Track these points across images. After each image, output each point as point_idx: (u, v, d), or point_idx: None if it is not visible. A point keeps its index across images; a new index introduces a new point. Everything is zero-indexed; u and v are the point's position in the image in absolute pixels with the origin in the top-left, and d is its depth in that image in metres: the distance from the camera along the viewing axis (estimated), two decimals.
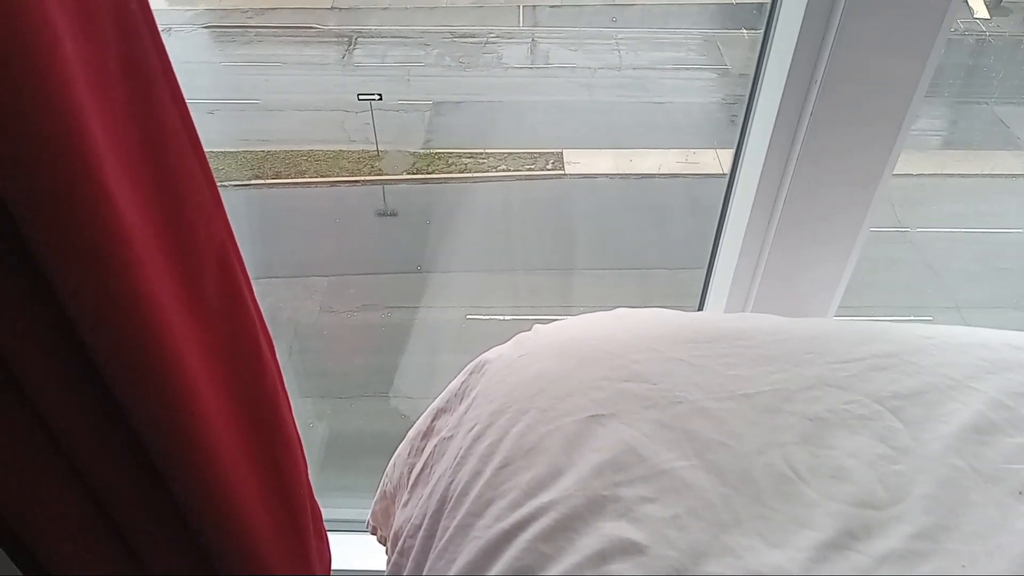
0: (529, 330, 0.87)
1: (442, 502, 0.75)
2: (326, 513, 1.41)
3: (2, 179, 0.53)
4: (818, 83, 0.83)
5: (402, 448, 0.98)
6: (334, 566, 1.30)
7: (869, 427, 0.71)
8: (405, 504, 0.91)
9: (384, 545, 1.02)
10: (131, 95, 0.64)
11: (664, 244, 3.84)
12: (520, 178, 3.90)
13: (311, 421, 3.35)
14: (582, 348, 0.78)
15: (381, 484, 1.03)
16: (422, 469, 0.89)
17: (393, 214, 3.87)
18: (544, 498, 0.66)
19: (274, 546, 0.89)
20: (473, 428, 0.77)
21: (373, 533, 1.09)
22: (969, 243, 3.69)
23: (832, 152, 0.88)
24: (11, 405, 0.69)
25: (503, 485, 0.69)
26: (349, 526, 1.36)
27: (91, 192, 0.57)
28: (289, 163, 3.77)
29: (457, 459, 0.76)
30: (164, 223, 0.69)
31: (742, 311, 1.08)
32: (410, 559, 0.79)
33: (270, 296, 3.54)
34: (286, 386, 0.92)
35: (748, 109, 0.96)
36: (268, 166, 3.72)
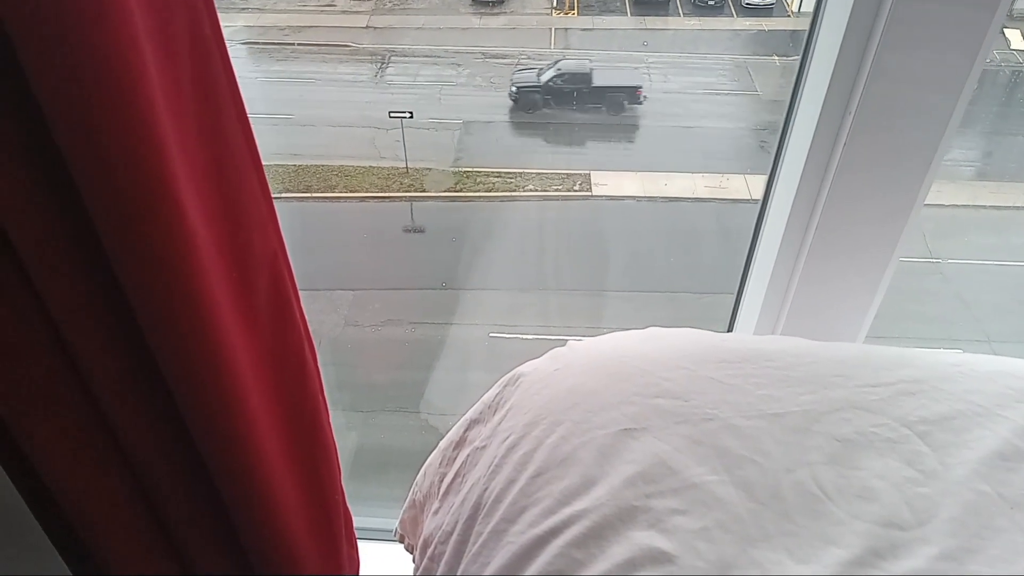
0: (563, 346, 0.90)
1: (476, 508, 0.78)
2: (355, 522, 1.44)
3: (88, 190, 0.58)
4: (852, 113, 0.85)
5: (433, 458, 1.01)
6: (361, 572, 1.33)
7: (896, 450, 0.73)
8: (436, 512, 0.93)
9: (411, 553, 1.04)
10: (202, 115, 0.68)
11: (690, 268, 3.84)
12: (547, 198, 3.93)
13: (335, 433, 3.36)
14: (615, 364, 0.81)
15: (410, 493, 1.06)
16: (454, 478, 0.91)
17: (420, 231, 3.91)
18: (577, 506, 0.69)
19: (309, 548, 0.93)
20: (508, 438, 0.80)
21: (400, 541, 1.11)
22: (1001, 275, 3.66)
23: (865, 181, 0.90)
24: (77, 403, 0.73)
25: (537, 493, 0.72)
26: (373, 535, 1.38)
27: (166, 206, 0.62)
28: (320, 177, 3.83)
29: (491, 467, 0.79)
30: (225, 234, 0.74)
31: (771, 334, 1.11)
32: (441, 564, 0.82)
33: None
34: (325, 394, 0.96)
35: (782, 136, 0.99)
36: (299, 180, 3.79)
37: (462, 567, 0.74)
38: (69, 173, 0.58)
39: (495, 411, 0.89)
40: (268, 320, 0.82)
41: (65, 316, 0.66)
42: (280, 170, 3.79)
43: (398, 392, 3.51)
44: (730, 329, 1.20)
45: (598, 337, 0.89)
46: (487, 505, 0.76)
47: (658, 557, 0.64)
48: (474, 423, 0.94)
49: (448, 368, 3.55)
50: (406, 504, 1.06)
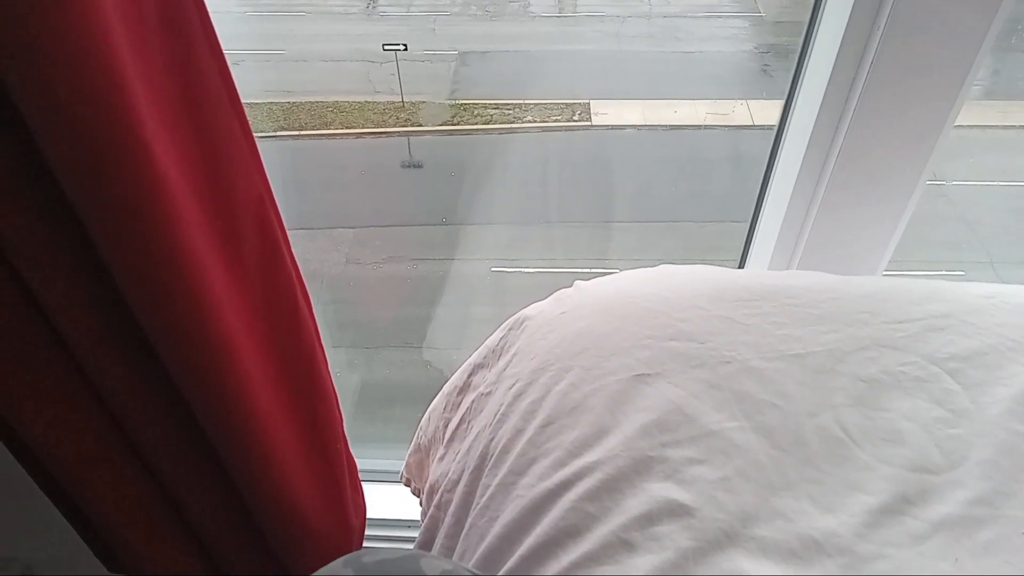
0: (569, 286, 0.84)
1: (482, 459, 0.74)
2: (359, 464, 1.42)
3: (42, 132, 0.51)
4: (880, 29, 0.77)
5: (437, 402, 0.97)
6: (369, 515, 1.31)
7: (925, 389, 0.68)
8: (441, 458, 0.90)
9: (418, 497, 1.02)
10: (170, 48, 0.61)
11: (694, 197, 3.78)
12: (546, 129, 3.85)
13: (339, 371, 3.38)
14: (625, 306, 0.75)
15: (415, 437, 1.02)
16: (459, 424, 0.87)
17: (418, 166, 3.84)
18: (589, 458, 0.64)
19: (312, 497, 0.89)
20: (514, 385, 0.75)
21: (407, 485, 1.08)
22: (1006, 197, 3.59)
23: (892, 103, 0.83)
24: (55, 361, 0.68)
25: (546, 444, 0.67)
26: (379, 476, 1.36)
27: (131, 146, 0.55)
28: (315, 114, 3.74)
29: (498, 416, 0.74)
30: (203, 178, 0.68)
31: (787, 269, 1.04)
32: (448, 513, 0.78)
33: (296, 247, 3.53)
34: (322, 338, 0.91)
35: (801, 56, 0.91)
36: (294, 117, 3.69)
37: (470, 520, 0.70)
38: (21, 115, 0.52)
39: (499, 356, 0.85)
40: (257, 267, 0.76)
41: (34, 274, 0.60)
42: (274, 108, 3.69)
43: (402, 328, 3.49)
44: (742, 264, 1.14)
45: (606, 277, 0.84)
46: (494, 456, 0.72)
47: (676, 510, 0.60)
48: (478, 368, 0.89)
49: (451, 303, 3.53)
50: (411, 448, 1.03)
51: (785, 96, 0.97)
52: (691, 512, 0.60)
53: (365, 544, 1.26)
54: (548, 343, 0.75)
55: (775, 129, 1.01)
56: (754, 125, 3.85)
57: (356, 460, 1.20)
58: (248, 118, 0.72)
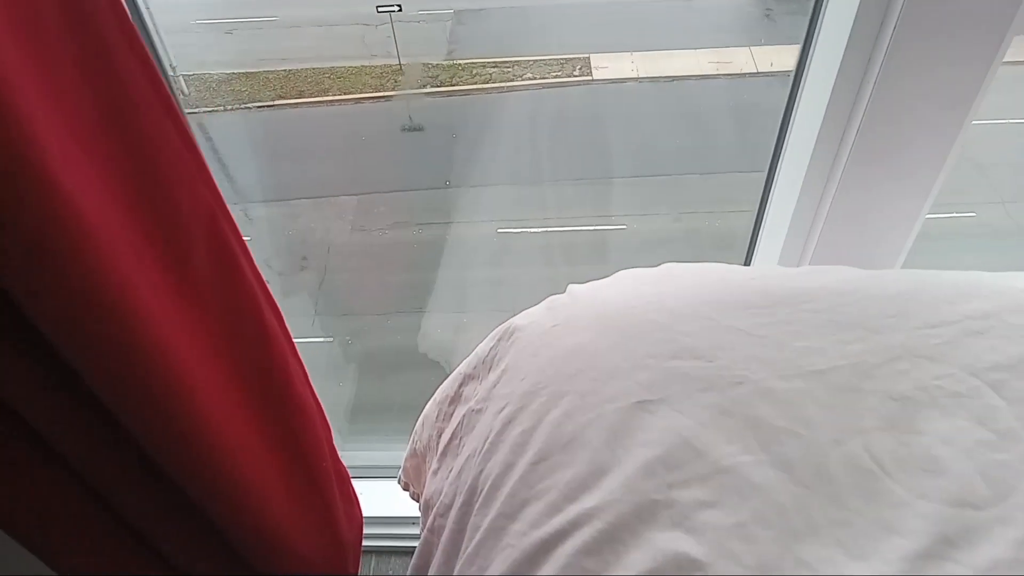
0: (563, 292, 0.74)
1: (472, 492, 0.65)
2: (359, 458, 1.34)
3: None
4: None
5: (430, 410, 0.89)
6: (372, 512, 1.24)
7: (965, 406, 0.58)
8: (435, 472, 0.82)
9: (417, 502, 0.95)
10: (79, 53, 0.51)
11: (697, 149, 3.67)
12: (547, 86, 3.73)
13: (349, 338, 3.34)
14: (624, 317, 0.65)
15: (411, 441, 0.95)
16: (451, 438, 0.79)
17: (419, 129, 3.74)
18: (587, 502, 0.55)
19: (298, 522, 0.81)
20: (504, 409, 0.66)
21: (405, 489, 1.02)
22: (1016, 135, 3.45)
23: (928, 47, 0.69)
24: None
25: (539, 484, 0.58)
26: (379, 472, 1.29)
27: (32, 182, 0.45)
28: (312, 81, 3.64)
29: (487, 443, 0.66)
30: (137, 199, 0.58)
31: (800, 256, 0.93)
32: (441, 542, 0.70)
33: (301, 217, 3.47)
34: (297, 351, 0.82)
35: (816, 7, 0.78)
36: (291, 85, 3.59)
37: (459, 566, 0.62)
38: None
39: (490, 368, 0.76)
40: (213, 288, 0.67)
41: None
42: (271, 76, 3.58)
43: (410, 293, 3.45)
44: (750, 252, 1.01)
45: (603, 280, 0.74)
46: (483, 491, 0.63)
47: (685, 564, 0.51)
48: (468, 378, 0.80)
49: (458, 267, 3.48)
50: (407, 452, 0.95)
51: (799, 51, 0.83)
52: (702, 567, 0.51)
53: (365, 545, 1.20)
54: (539, 361, 0.66)
55: (789, 87, 0.88)
56: (757, 72, 3.71)
57: (349, 468, 1.13)
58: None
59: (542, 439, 0.60)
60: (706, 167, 3.60)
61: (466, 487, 0.67)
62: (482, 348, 0.79)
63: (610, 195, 3.66)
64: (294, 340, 0.81)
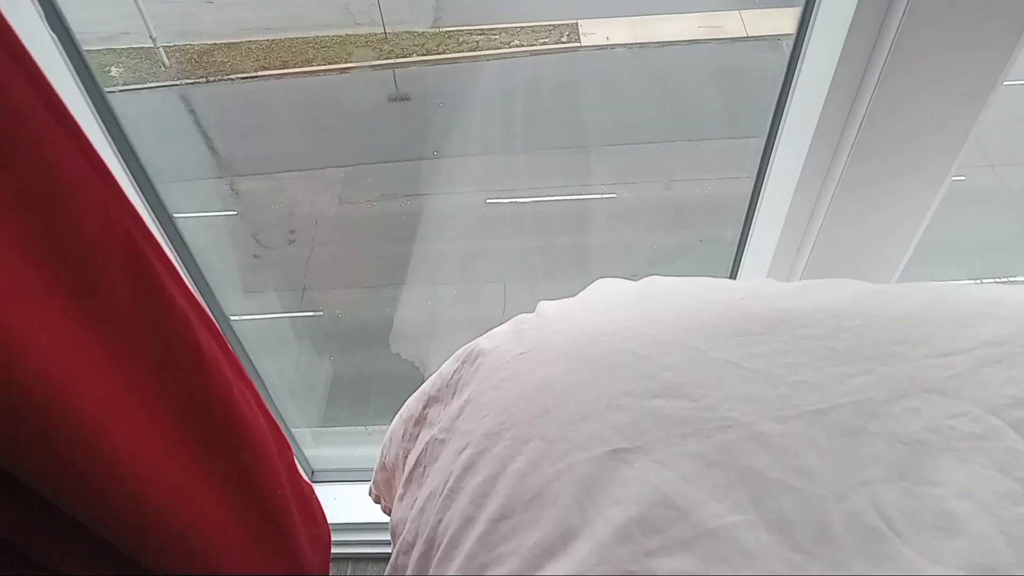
0: (530, 312, 0.65)
1: (430, 545, 0.57)
2: (334, 460, 1.27)
3: None
4: None
5: (396, 426, 0.81)
6: (348, 517, 1.17)
7: (984, 451, 0.50)
8: (401, 498, 0.74)
9: (388, 515, 0.88)
10: None
11: (686, 115, 3.58)
12: (535, 53, 3.61)
13: (339, 312, 3.28)
14: (598, 347, 0.56)
15: (381, 454, 0.88)
16: (415, 465, 0.71)
17: (406, 98, 3.63)
18: (554, 571, 0.47)
19: (254, 561, 0.74)
20: (464, 450, 0.58)
21: (376, 502, 0.94)
22: (1004, 98, 3.33)
23: (946, 29, 0.59)
24: None
25: (500, 547, 0.50)
26: (359, 476, 1.21)
27: None
28: (295, 51, 3.52)
29: (447, 488, 0.57)
30: (33, 231, 0.48)
31: (794, 259, 0.83)
32: None
33: (288, 190, 3.38)
34: (245, 374, 0.74)
35: None
36: (274, 55, 3.46)
37: None
38: None
39: (453, 392, 0.67)
40: (134, 317, 0.58)
41: None
42: (253, 47, 3.45)
43: (399, 265, 3.39)
44: (738, 256, 0.90)
45: (576, 298, 0.65)
46: (442, 546, 0.55)
47: None
48: (433, 400, 0.72)
49: (447, 238, 3.41)
50: (377, 465, 0.88)
51: (799, 14, 0.72)
52: None
53: (342, 552, 1.13)
54: (504, 397, 0.57)
55: (771, 81, 0.77)
56: (748, 36, 3.59)
57: (323, 473, 1.05)
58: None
59: (505, 492, 0.52)
60: (697, 134, 3.51)
61: (426, 533, 0.59)
62: (446, 369, 0.70)
63: (600, 163, 3.58)
64: (239, 362, 0.72)
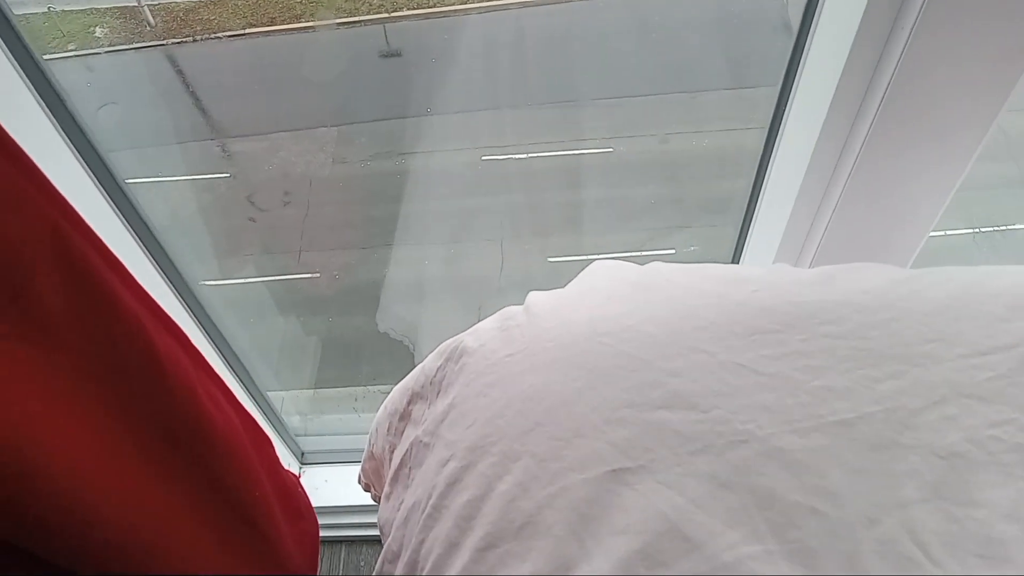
0: (518, 304, 0.58)
1: (412, 567, 0.51)
2: (325, 443, 1.21)
3: None
4: None
5: (381, 418, 0.75)
6: (340, 500, 1.12)
7: None
8: (387, 497, 0.68)
9: (377, 502, 0.83)
10: None
11: (680, 66, 3.46)
12: (527, 4, 3.48)
13: (337, 273, 3.23)
14: (594, 350, 0.49)
15: (368, 443, 0.82)
16: (400, 464, 0.65)
17: (397, 54, 3.50)
18: None
19: (231, 563, 0.68)
20: (448, 463, 0.51)
21: (366, 490, 0.90)
22: None
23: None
24: None
25: None
26: (350, 456, 1.15)
27: None
28: (283, 7, 3.38)
29: (430, 504, 0.51)
30: None
31: (805, 240, 0.74)
32: None
33: (281, 151, 3.30)
34: (212, 371, 0.67)
35: None
36: (262, 12, 3.33)
37: None
38: None
39: (437, 391, 0.60)
40: (71, 317, 0.50)
41: None
42: (240, 3, 3.31)
43: (394, 225, 3.33)
44: (739, 245, 0.81)
45: (569, 288, 0.57)
46: (425, 570, 0.49)
47: None
48: (416, 396, 0.65)
49: (444, 196, 3.35)
50: (364, 455, 0.83)
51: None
52: None
53: (335, 535, 1.08)
54: (489, 405, 0.50)
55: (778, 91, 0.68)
56: None
57: (313, 455, 0.99)
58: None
59: (491, 518, 0.45)
60: (692, 85, 3.41)
61: (409, 549, 0.53)
62: (429, 364, 0.63)
63: (595, 117, 3.49)
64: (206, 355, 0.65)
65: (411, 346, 2.79)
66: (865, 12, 0.59)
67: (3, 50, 0.66)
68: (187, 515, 0.62)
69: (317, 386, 2.62)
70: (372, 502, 1.15)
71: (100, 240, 0.52)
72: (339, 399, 2.46)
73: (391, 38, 3.51)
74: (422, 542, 0.50)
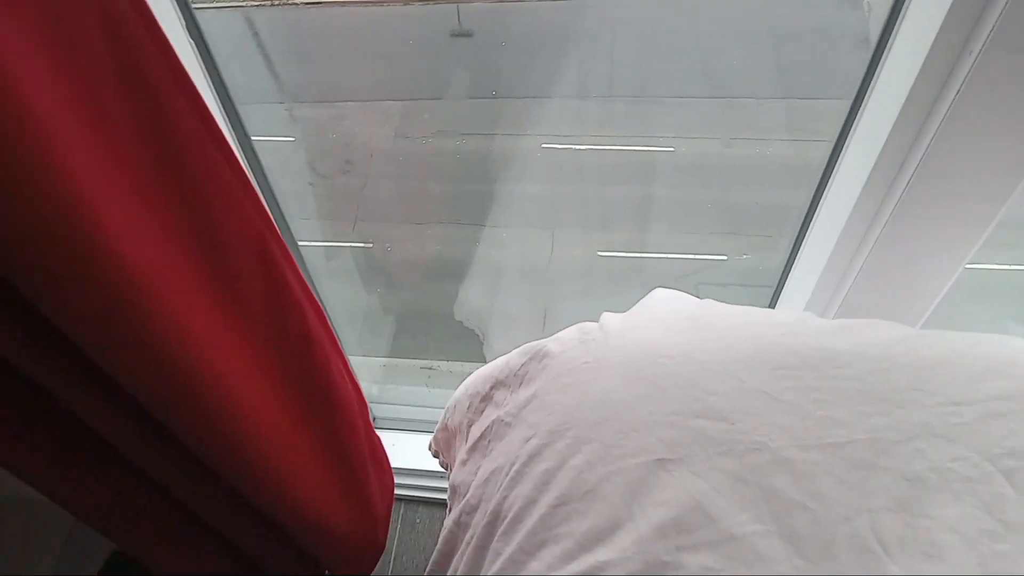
0: (594, 321, 0.76)
1: (495, 516, 0.70)
2: (392, 411, 1.41)
3: None
4: None
5: (461, 397, 0.93)
6: (403, 463, 1.32)
7: (976, 493, 0.60)
8: (463, 463, 0.87)
9: (445, 469, 1.00)
10: (135, 109, 0.52)
11: (756, 72, 3.52)
12: None
13: (388, 245, 3.38)
14: (654, 366, 0.67)
15: (444, 417, 1.00)
16: (480, 437, 0.83)
17: (468, 35, 3.63)
18: (600, 555, 0.59)
19: (337, 506, 0.88)
20: (530, 439, 0.70)
21: (435, 456, 1.07)
22: None
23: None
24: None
25: (557, 528, 0.62)
26: (415, 426, 1.35)
27: (91, 247, 0.48)
28: None
29: (513, 470, 0.70)
30: (193, 233, 0.60)
31: (853, 255, 0.87)
32: (461, 549, 0.76)
33: (346, 120, 3.45)
34: (339, 346, 0.86)
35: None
36: None
37: None
38: None
39: (520, 383, 0.79)
40: (262, 305, 0.70)
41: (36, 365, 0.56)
42: None
43: (451, 204, 3.45)
44: (779, 288, 0.98)
45: (635, 314, 0.75)
46: (506, 520, 0.68)
47: None
48: (499, 384, 0.84)
49: (500, 180, 3.46)
50: (439, 425, 1.01)
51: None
52: None
53: (397, 494, 1.28)
54: (568, 401, 0.69)
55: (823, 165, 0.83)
56: None
57: (384, 420, 1.19)
58: (236, 156, 0.64)
59: (564, 483, 0.64)
60: (764, 91, 3.47)
61: (491, 505, 0.71)
62: (513, 360, 0.81)
63: (661, 115, 3.56)
64: (330, 324, 0.84)
65: (470, 325, 2.91)
66: (939, 32, 0.69)
67: None
68: (309, 452, 0.82)
69: (364, 353, 2.78)
70: (429, 468, 1.35)
71: (284, 245, 0.71)
72: (374, 367, 2.59)
73: (464, 18, 3.64)
74: (505, 498, 0.69)
